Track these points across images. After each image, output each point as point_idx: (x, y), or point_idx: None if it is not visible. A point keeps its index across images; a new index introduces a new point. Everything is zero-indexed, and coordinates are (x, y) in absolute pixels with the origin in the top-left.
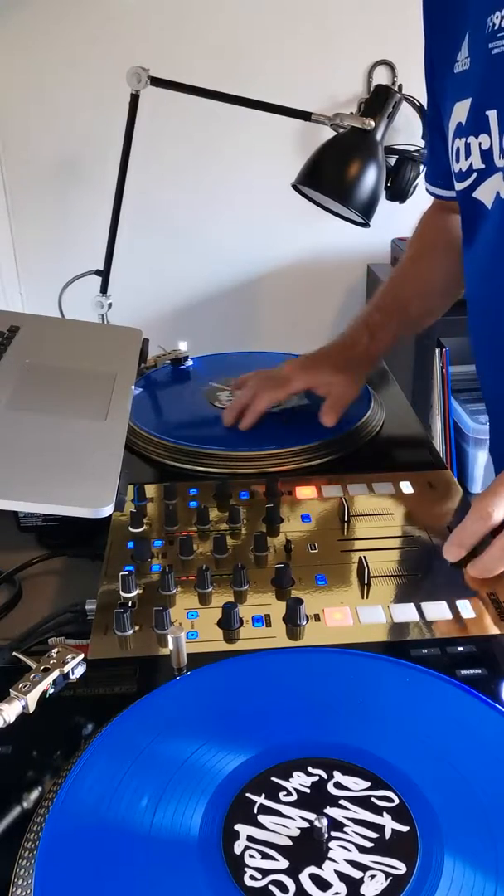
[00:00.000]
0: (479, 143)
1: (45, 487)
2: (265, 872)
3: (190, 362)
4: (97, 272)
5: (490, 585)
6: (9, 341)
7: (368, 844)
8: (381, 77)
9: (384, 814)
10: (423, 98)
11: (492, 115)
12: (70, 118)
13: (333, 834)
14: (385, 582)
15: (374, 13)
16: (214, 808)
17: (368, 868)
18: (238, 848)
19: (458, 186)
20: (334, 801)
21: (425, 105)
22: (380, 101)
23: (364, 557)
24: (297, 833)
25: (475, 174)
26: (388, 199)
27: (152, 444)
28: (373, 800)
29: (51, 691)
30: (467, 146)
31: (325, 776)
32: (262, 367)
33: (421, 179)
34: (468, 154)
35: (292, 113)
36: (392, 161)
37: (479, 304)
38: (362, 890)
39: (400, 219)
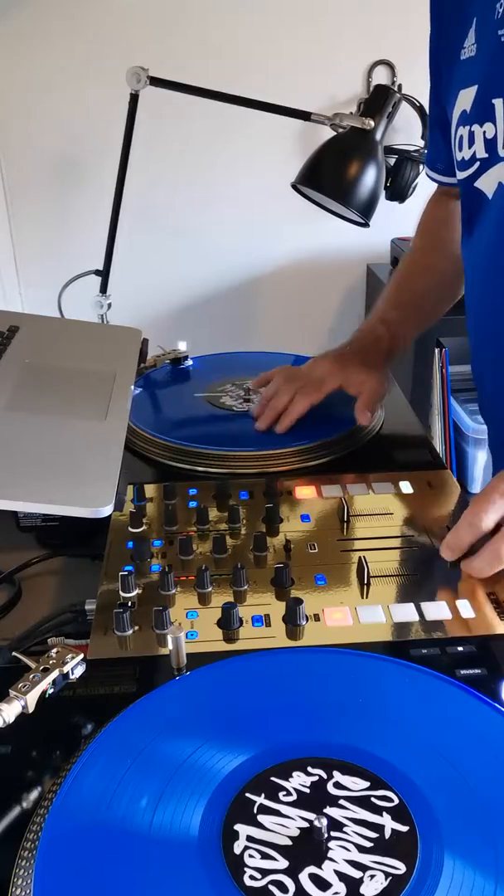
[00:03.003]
0: (484, 132)
1: (45, 487)
2: (265, 872)
3: (189, 362)
4: (97, 272)
5: (489, 585)
6: (8, 341)
7: (368, 844)
8: (381, 77)
9: (384, 814)
10: (423, 98)
11: (498, 103)
12: (70, 118)
13: (333, 834)
14: (385, 582)
15: (374, 13)
16: (214, 808)
17: (368, 868)
18: (238, 848)
19: (460, 175)
20: (334, 801)
21: (425, 103)
22: (379, 100)
23: (364, 557)
24: (296, 833)
25: (478, 163)
26: (388, 198)
27: (152, 444)
28: (372, 800)
29: (50, 691)
30: (471, 134)
31: (324, 776)
32: (261, 367)
33: (421, 179)
34: (471, 142)
35: (292, 113)
36: (392, 161)
37: (479, 296)
38: (362, 890)
39: (400, 218)
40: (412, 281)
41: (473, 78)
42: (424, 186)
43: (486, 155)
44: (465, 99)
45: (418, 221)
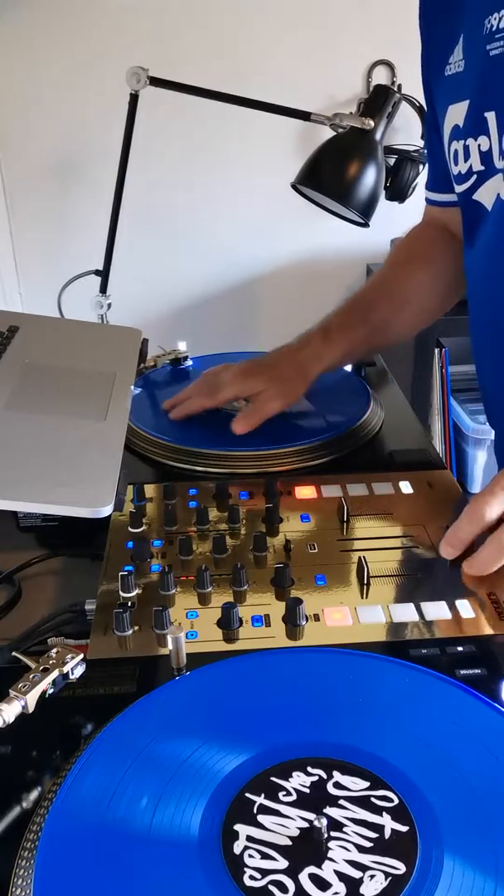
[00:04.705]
0: (479, 145)
1: (45, 487)
2: (265, 872)
3: (189, 362)
4: (96, 272)
5: (489, 585)
6: (8, 341)
7: (368, 844)
8: (381, 77)
9: (384, 814)
10: (422, 98)
11: (490, 116)
12: (70, 118)
13: (333, 834)
14: (384, 582)
15: (374, 13)
16: (214, 808)
17: (368, 868)
18: (238, 848)
19: (458, 189)
20: (334, 801)
21: (425, 105)
22: (379, 101)
23: (363, 557)
24: (296, 833)
25: (475, 176)
26: (388, 198)
27: (152, 444)
28: (372, 800)
29: (50, 691)
30: (466, 148)
31: (324, 776)
32: None
33: (420, 179)
34: (467, 156)
35: (292, 113)
36: (391, 161)
37: (480, 306)
38: (362, 890)
39: (399, 219)
40: (370, 291)
41: (463, 93)
42: (424, 196)
43: (483, 167)
44: (456, 114)
45: (400, 240)
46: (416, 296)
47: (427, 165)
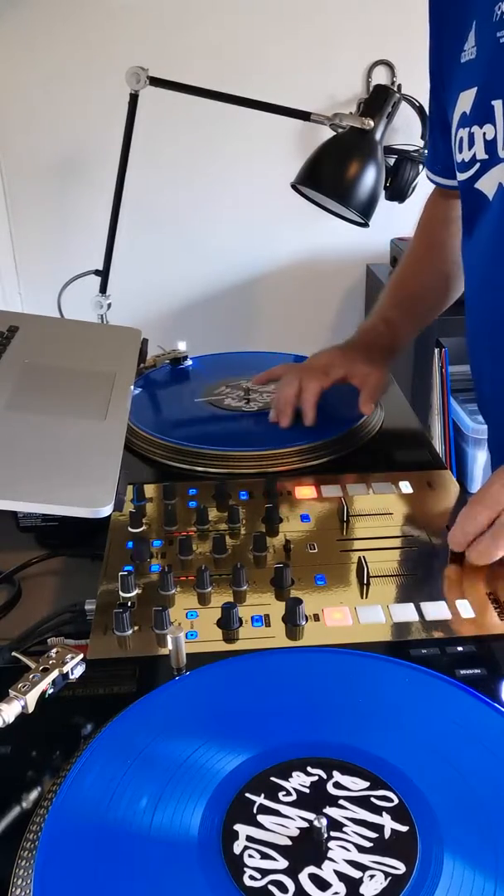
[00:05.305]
0: (484, 133)
1: (44, 487)
2: (264, 872)
3: (189, 362)
4: (96, 272)
5: (489, 586)
6: (8, 341)
7: (368, 844)
8: (381, 77)
9: (383, 813)
10: (422, 98)
11: (497, 104)
12: (70, 118)
13: (333, 834)
14: (384, 582)
15: (374, 13)
16: (214, 808)
17: (368, 868)
18: (237, 848)
19: (460, 177)
20: (334, 801)
21: (425, 103)
22: (379, 100)
23: (363, 557)
24: (296, 833)
25: (478, 164)
26: (388, 199)
27: (151, 444)
28: (372, 800)
29: (50, 691)
30: (471, 136)
31: (324, 776)
32: (261, 367)
33: (420, 179)
34: (471, 144)
35: (292, 113)
36: (391, 161)
37: (478, 296)
38: (362, 890)
39: (399, 219)
40: (409, 281)
41: (473, 80)
42: (424, 186)
43: (487, 156)
44: (465, 101)
45: (417, 221)
46: (448, 276)
47: (428, 150)
